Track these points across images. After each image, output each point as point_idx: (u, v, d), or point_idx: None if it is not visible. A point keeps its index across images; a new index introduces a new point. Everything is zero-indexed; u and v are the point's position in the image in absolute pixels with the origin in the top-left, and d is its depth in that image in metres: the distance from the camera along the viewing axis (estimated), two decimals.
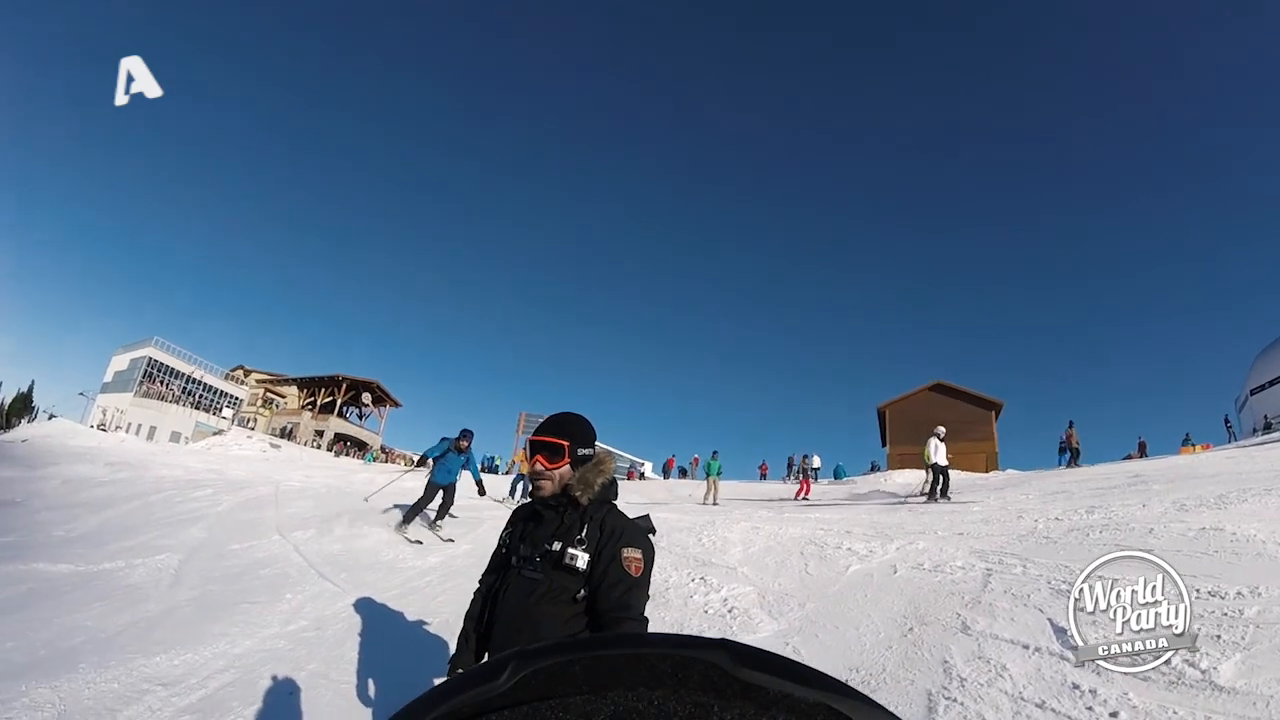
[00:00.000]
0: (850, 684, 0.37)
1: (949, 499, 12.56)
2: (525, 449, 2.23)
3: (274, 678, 4.18)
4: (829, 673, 0.37)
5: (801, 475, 20.85)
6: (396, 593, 6.05)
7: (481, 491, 10.58)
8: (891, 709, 0.36)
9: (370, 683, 4.23)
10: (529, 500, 2.30)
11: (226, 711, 3.73)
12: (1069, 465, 20.58)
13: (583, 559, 2.07)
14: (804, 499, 16.78)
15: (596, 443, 2.29)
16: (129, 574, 6.29)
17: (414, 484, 15.14)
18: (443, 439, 9.65)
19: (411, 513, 9.00)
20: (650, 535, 2.20)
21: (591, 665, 0.38)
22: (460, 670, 2.17)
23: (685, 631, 4.37)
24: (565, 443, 2.18)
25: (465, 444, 9.61)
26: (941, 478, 13.01)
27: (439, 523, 9.38)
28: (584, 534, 2.10)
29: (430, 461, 9.61)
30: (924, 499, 13.12)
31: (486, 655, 2.19)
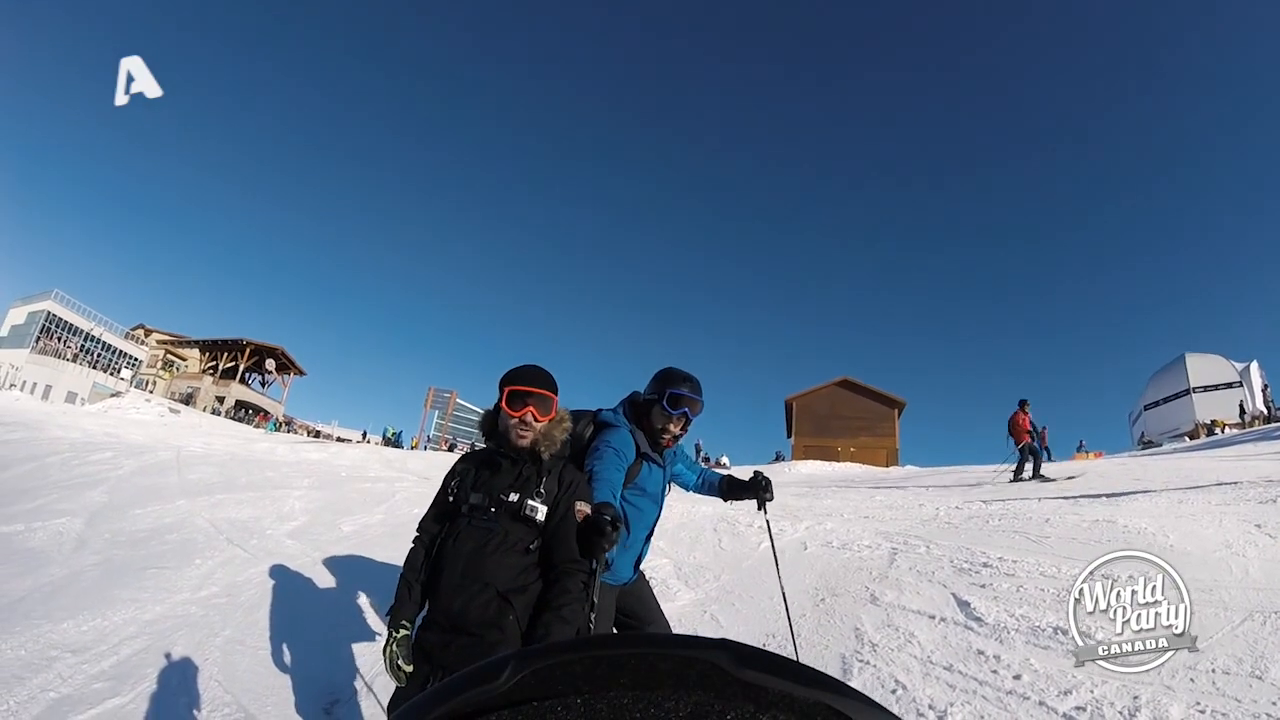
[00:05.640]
0: (849, 684, 0.37)
1: (1044, 478, 11.77)
2: (506, 399, 2.15)
3: (188, 644, 4.06)
4: (828, 672, 0.38)
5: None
6: (309, 559, 5.89)
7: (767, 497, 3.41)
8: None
9: (286, 649, 4.15)
10: (484, 447, 2.28)
11: (140, 679, 3.61)
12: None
13: (541, 511, 2.08)
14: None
15: None
16: (29, 538, 5.96)
17: (358, 454, 13.94)
18: (603, 419, 2.71)
19: None
20: None
21: (591, 665, 0.38)
22: (403, 622, 2.15)
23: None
24: (555, 397, 2.19)
25: (678, 421, 2.71)
26: (1033, 456, 12.25)
27: None
28: (542, 486, 2.12)
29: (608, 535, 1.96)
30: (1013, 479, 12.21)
31: (430, 605, 2.17)
